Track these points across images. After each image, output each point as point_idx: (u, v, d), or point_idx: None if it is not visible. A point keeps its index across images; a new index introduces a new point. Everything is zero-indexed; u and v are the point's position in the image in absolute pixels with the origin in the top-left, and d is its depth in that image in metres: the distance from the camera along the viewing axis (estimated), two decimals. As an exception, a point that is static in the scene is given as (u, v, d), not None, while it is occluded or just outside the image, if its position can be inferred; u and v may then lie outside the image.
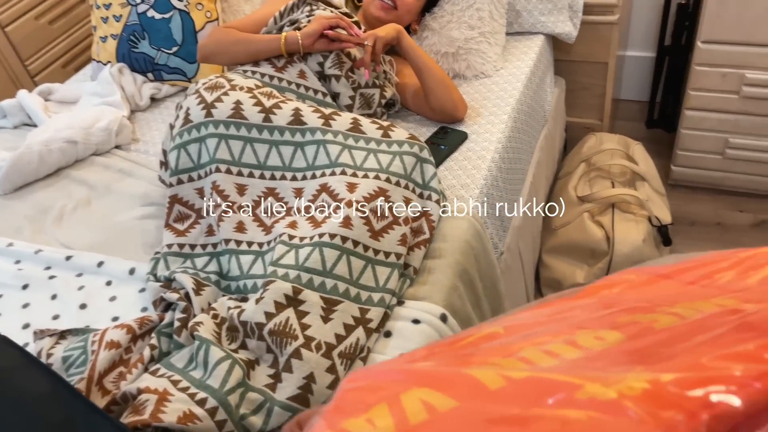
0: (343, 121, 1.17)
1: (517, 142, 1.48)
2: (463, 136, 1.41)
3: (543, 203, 1.80)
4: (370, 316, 0.99)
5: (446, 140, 1.41)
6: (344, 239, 1.02)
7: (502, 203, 1.37)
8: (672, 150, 2.13)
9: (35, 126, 1.70)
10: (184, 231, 1.18)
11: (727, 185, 2.01)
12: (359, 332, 0.97)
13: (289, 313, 0.94)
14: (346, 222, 1.03)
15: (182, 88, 1.82)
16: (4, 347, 0.81)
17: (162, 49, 1.76)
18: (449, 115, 1.43)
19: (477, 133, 1.42)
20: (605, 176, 1.81)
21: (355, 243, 1.03)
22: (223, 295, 1.09)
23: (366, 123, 1.18)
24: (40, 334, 1.06)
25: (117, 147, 1.62)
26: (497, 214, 1.35)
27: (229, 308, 1.00)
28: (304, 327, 0.93)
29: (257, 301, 0.96)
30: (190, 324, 0.99)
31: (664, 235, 1.66)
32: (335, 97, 1.39)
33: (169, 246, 1.16)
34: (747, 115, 1.81)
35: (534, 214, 1.66)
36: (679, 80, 2.16)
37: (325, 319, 0.95)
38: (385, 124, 1.19)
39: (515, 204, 1.49)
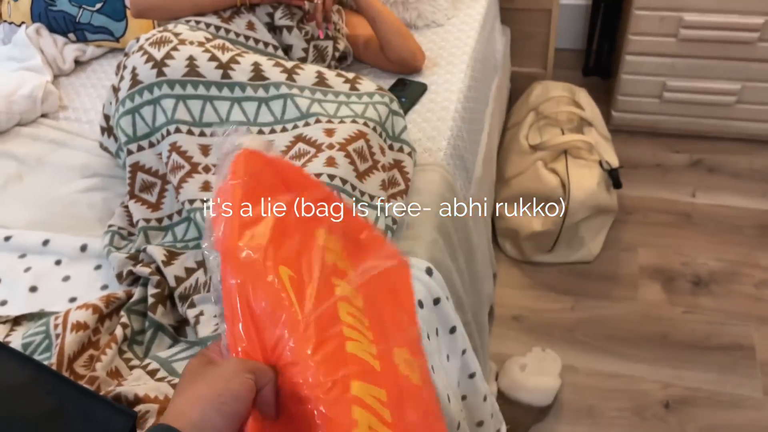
0: (308, 75, 1.10)
1: (475, 92, 1.45)
2: (422, 88, 1.37)
3: (496, 153, 1.80)
4: None
5: (405, 92, 1.36)
6: (331, 177, 0.96)
7: (466, 155, 1.35)
8: (609, 96, 2.18)
9: (-56, 97, 1.53)
10: (157, 204, 1.09)
11: (664, 128, 2.08)
12: None
13: None
14: (331, 161, 0.98)
15: (109, 49, 1.68)
16: (-36, 338, 0.72)
17: (84, 6, 1.61)
18: (408, 65, 1.39)
19: (437, 83, 1.38)
20: (554, 124, 1.82)
21: (343, 181, 0.98)
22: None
23: (331, 76, 1.12)
24: (-10, 323, 0.95)
25: (43, 116, 1.48)
26: (465, 166, 1.33)
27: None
28: None
29: None
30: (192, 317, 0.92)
31: (614, 179, 1.70)
32: (287, 49, 1.32)
33: (147, 221, 1.08)
34: (684, 57, 1.87)
35: (491, 165, 1.66)
36: (615, 27, 2.19)
37: None
38: (351, 76, 1.13)
39: (476, 155, 1.47)
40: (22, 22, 1.66)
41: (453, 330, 1.05)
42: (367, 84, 1.13)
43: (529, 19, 1.93)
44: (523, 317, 1.69)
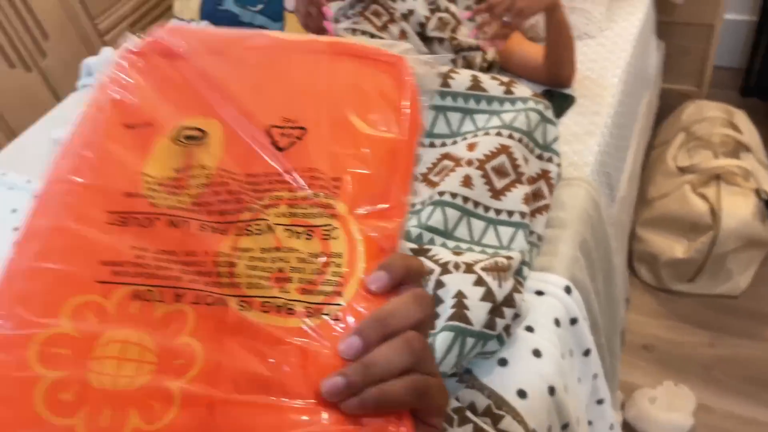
0: (463, 78, 1.11)
1: (625, 108, 1.40)
2: (570, 101, 1.34)
3: (640, 173, 1.71)
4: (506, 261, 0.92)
5: (553, 104, 1.33)
6: (465, 199, 0.97)
7: (612, 172, 1.30)
8: (771, 120, 2.01)
9: (121, 84, 1.69)
10: None
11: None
12: (495, 258, 0.90)
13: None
14: (467, 181, 0.98)
15: (265, 47, 1.78)
16: None
17: (247, 6, 1.71)
18: (564, 81, 1.36)
19: (585, 97, 1.34)
20: (706, 146, 1.71)
21: (476, 204, 0.98)
22: None
23: (486, 79, 1.12)
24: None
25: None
26: (609, 183, 1.28)
27: None
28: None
29: None
30: None
31: (772, 210, 1.57)
32: (437, 60, 1.33)
33: None
34: None
35: (635, 184, 1.59)
36: (783, 45, 2.02)
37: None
38: (506, 79, 1.13)
39: (621, 173, 1.41)
40: (191, 19, 1.80)
41: (587, 353, 1.02)
42: (522, 89, 1.11)
43: (687, 34, 1.82)
44: (654, 347, 1.60)
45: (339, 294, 0.34)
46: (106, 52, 1.71)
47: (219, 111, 0.39)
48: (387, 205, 0.38)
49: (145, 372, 0.30)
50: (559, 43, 1.29)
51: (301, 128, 0.39)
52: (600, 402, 1.09)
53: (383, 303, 0.34)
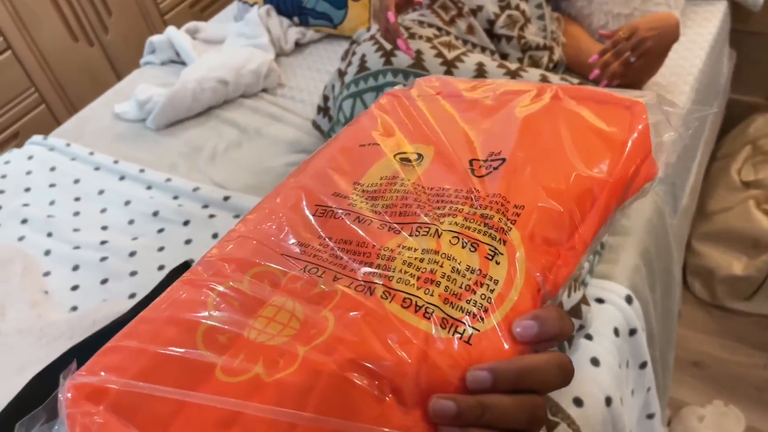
0: (531, 77, 1.09)
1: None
2: (638, 106, 1.30)
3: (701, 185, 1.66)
4: None
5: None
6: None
7: (677, 181, 1.27)
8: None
9: (182, 63, 1.71)
10: None
11: None
12: None
13: None
14: None
15: (326, 34, 1.78)
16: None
17: (311, -8, 1.71)
18: (635, 84, 1.32)
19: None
20: (773, 161, 1.65)
21: None
22: None
23: (555, 80, 1.09)
24: (210, 273, 1.05)
25: (263, 91, 1.60)
26: (674, 193, 1.24)
27: None
28: None
29: None
30: None
31: (840, 232, 1.51)
32: (503, 57, 1.31)
33: None
34: None
35: (696, 196, 1.54)
36: None
37: None
38: (575, 81, 1.10)
39: (686, 183, 1.37)
40: (255, 2, 1.80)
41: (643, 365, 1.00)
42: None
43: (760, 44, 1.76)
44: (704, 365, 1.55)
45: (480, 319, 0.34)
46: (170, 31, 1.73)
47: (437, 141, 0.45)
48: (562, 246, 0.38)
49: (285, 335, 0.33)
50: (652, 70, 1.26)
51: (502, 159, 0.41)
52: (650, 416, 1.07)
53: (521, 350, 0.34)
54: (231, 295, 0.36)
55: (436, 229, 0.37)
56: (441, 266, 0.35)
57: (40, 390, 0.75)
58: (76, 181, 1.34)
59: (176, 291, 0.37)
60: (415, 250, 0.37)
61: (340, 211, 0.41)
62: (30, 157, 1.42)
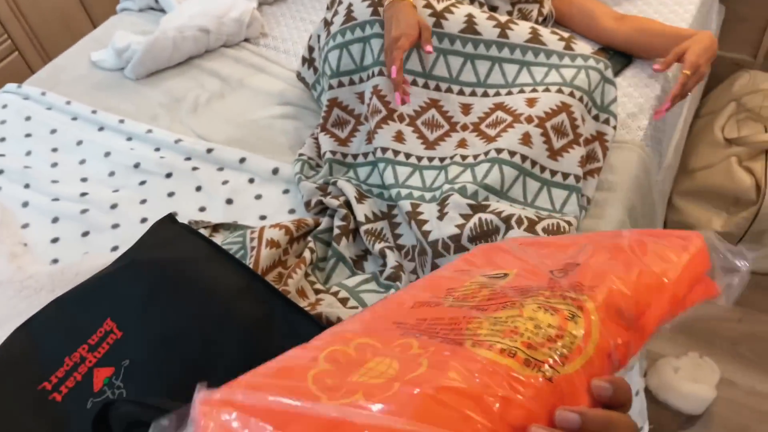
0: (521, 30, 1.07)
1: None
2: (626, 61, 1.29)
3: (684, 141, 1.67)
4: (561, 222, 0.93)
5: (611, 64, 1.29)
6: (524, 158, 0.95)
7: (663, 138, 1.27)
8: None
9: (161, 10, 1.65)
10: (346, 140, 1.12)
11: None
12: (557, 220, 0.91)
13: (480, 215, 0.89)
14: (526, 139, 0.95)
15: (310, -18, 1.72)
16: (189, 236, 0.79)
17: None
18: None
19: (643, 59, 1.29)
20: (757, 119, 1.66)
21: (533, 163, 0.96)
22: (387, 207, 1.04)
23: (546, 33, 1.08)
24: (195, 225, 1.04)
25: (246, 40, 1.56)
26: (659, 150, 1.24)
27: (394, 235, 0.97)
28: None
29: (440, 217, 0.90)
30: (378, 248, 0.96)
31: (819, 190, 1.53)
32: (492, 9, 1.28)
33: (333, 153, 1.12)
34: None
35: (679, 153, 1.55)
36: None
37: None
38: (566, 34, 1.09)
39: (671, 140, 1.37)
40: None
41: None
42: (582, 45, 1.07)
43: (750, 0, 1.74)
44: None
45: (561, 364, 0.37)
46: (148, -24, 1.67)
47: (522, 264, 0.52)
48: (631, 327, 0.43)
49: (383, 377, 0.37)
50: (658, 52, 1.23)
51: (577, 264, 0.49)
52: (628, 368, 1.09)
53: (594, 405, 0.37)
54: (338, 353, 0.41)
55: (521, 303, 0.42)
56: (525, 324, 0.40)
57: (23, 342, 0.75)
58: (53, 131, 1.30)
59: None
60: (501, 318, 0.41)
61: (435, 304, 0.48)
62: (4, 106, 1.38)
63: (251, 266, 0.92)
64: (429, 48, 1.00)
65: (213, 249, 0.75)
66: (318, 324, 0.69)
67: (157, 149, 1.25)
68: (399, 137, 1.06)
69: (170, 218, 0.84)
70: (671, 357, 1.45)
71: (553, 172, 0.98)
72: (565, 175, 0.98)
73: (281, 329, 0.67)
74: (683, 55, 1.11)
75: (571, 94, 1.01)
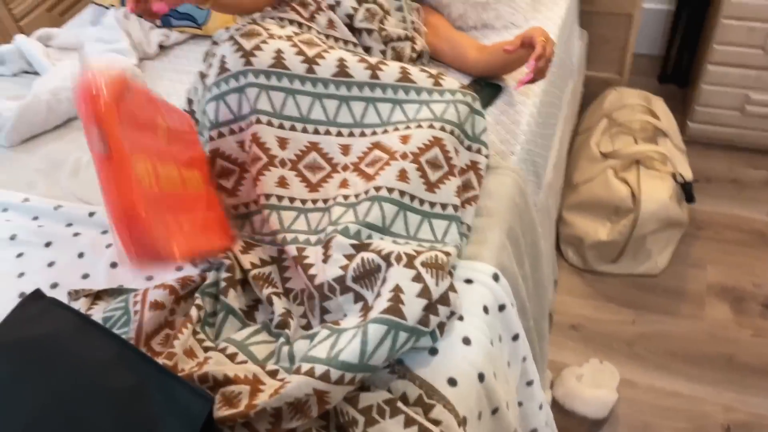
0: (392, 70, 1.11)
1: (550, 96, 1.43)
2: (498, 89, 1.36)
3: (566, 159, 1.77)
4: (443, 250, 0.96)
5: (481, 94, 1.35)
6: (402, 193, 0.98)
7: (538, 159, 1.34)
8: (685, 106, 2.11)
9: (36, 74, 1.61)
10: (234, 190, 1.12)
11: (743, 142, 2.00)
12: (436, 252, 0.93)
13: (363, 254, 0.91)
14: (403, 175, 0.98)
15: (191, 35, 1.73)
16: (57, 310, 0.76)
17: (170, -8, 1.65)
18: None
19: (506, 73, 1.37)
20: (627, 132, 1.78)
21: (412, 197, 0.99)
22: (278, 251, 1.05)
23: (415, 72, 1.12)
24: (74, 295, 1.01)
25: (127, 97, 1.53)
26: (536, 171, 1.31)
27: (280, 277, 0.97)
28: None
29: (325, 260, 0.92)
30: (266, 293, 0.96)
31: (687, 193, 1.65)
32: (366, 50, 1.33)
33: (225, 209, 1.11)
34: (771, 70, 1.79)
35: (561, 170, 1.64)
36: (696, 35, 2.12)
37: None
38: (434, 72, 1.14)
39: (547, 160, 1.45)
40: (111, 5, 1.72)
41: (516, 337, 1.05)
42: (450, 81, 1.13)
43: (608, 23, 1.89)
44: (581, 327, 1.66)
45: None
46: (19, 39, 1.62)
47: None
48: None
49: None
50: (515, 65, 1.33)
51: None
52: (529, 383, 1.12)
53: None
54: None
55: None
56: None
57: None
58: None
59: None
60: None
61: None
62: None
63: (134, 332, 0.90)
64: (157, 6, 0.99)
65: (81, 321, 0.73)
66: (195, 389, 0.68)
67: (35, 218, 1.20)
68: (282, 182, 1.07)
69: (37, 293, 0.81)
70: (574, 366, 1.52)
71: (432, 204, 1.01)
72: (444, 206, 1.02)
73: (155, 397, 0.66)
74: (525, 39, 1.22)
75: (442, 128, 1.05)
